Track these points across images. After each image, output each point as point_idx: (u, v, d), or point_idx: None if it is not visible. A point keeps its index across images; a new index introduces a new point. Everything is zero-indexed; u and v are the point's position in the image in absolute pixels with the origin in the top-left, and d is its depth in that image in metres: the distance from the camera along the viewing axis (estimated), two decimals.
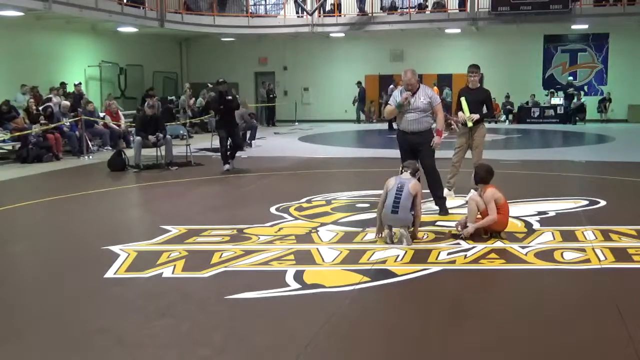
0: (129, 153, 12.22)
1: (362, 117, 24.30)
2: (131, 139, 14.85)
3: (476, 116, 8.04)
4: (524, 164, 11.81)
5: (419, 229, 6.15)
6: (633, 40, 22.48)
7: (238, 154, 13.90)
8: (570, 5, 20.20)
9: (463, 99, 8.12)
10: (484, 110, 8.21)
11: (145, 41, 22.28)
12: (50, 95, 15.72)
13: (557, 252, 5.59)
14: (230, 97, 11.59)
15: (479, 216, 6.13)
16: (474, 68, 8.29)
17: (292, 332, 3.96)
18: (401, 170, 6.30)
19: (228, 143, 11.39)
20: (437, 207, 7.30)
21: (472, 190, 6.92)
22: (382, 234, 6.01)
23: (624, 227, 6.41)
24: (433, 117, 7.24)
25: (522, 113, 22.86)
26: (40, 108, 14.40)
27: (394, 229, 5.96)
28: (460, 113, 8.16)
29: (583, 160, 12.28)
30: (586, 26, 21.94)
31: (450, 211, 7.27)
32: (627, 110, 22.69)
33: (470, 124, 8.07)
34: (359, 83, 23.89)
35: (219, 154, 11.71)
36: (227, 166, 11.32)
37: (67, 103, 14.97)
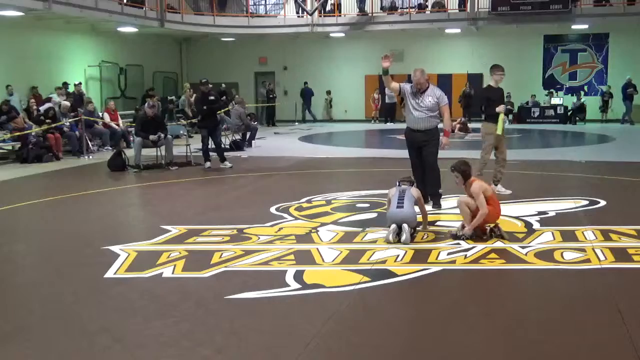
0: (129, 153, 12.22)
1: (309, 116, 24.64)
2: (131, 139, 14.85)
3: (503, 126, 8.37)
4: (524, 164, 11.80)
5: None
6: (633, 40, 22.47)
7: (238, 153, 13.99)
8: (570, 5, 20.20)
9: (501, 116, 8.25)
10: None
11: (145, 41, 22.29)
12: (51, 95, 15.69)
13: (557, 252, 5.59)
14: (212, 98, 11.71)
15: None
16: (501, 67, 8.48)
17: (292, 332, 3.96)
18: (398, 184, 6.41)
19: (215, 142, 11.82)
20: (435, 208, 7.41)
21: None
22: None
23: (624, 227, 6.41)
24: (440, 117, 7.49)
25: (522, 113, 22.86)
26: (42, 109, 14.40)
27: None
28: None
29: (583, 160, 12.28)
30: (586, 26, 21.94)
31: (450, 211, 7.29)
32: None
33: (500, 133, 8.30)
34: (305, 83, 24.47)
35: (215, 153, 11.87)
36: (208, 164, 11.65)
37: (67, 103, 14.96)
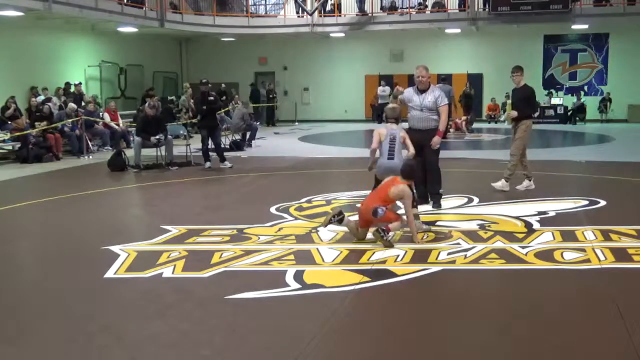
0: (129, 153, 12.22)
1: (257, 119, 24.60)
2: (131, 139, 14.85)
3: (514, 113, 8.89)
4: None
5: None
6: (633, 40, 22.47)
7: (238, 153, 13.99)
8: (570, 5, 20.19)
9: (508, 112, 8.88)
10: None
11: (145, 41, 22.28)
12: (38, 97, 15.62)
13: (557, 252, 5.59)
14: (212, 98, 11.76)
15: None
16: (516, 69, 9.34)
17: (292, 332, 3.96)
18: (385, 119, 6.81)
19: (209, 142, 11.82)
20: (435, 208, 7.40)
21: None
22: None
23: (624, 227, 6.41)
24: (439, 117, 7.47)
25: None
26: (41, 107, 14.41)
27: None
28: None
29: (583, 160, 12.27)
30: (586, 26, 21.93)
31: (450, 211, 7.29)
32: (627, 110, 22.69)
33: (509, 120, 8.89)
34: (251, 85, 24.47)
35: (215, 153, 11.87)
36: (208, 164, 11.68)
37: (74, 105, 14.95)
